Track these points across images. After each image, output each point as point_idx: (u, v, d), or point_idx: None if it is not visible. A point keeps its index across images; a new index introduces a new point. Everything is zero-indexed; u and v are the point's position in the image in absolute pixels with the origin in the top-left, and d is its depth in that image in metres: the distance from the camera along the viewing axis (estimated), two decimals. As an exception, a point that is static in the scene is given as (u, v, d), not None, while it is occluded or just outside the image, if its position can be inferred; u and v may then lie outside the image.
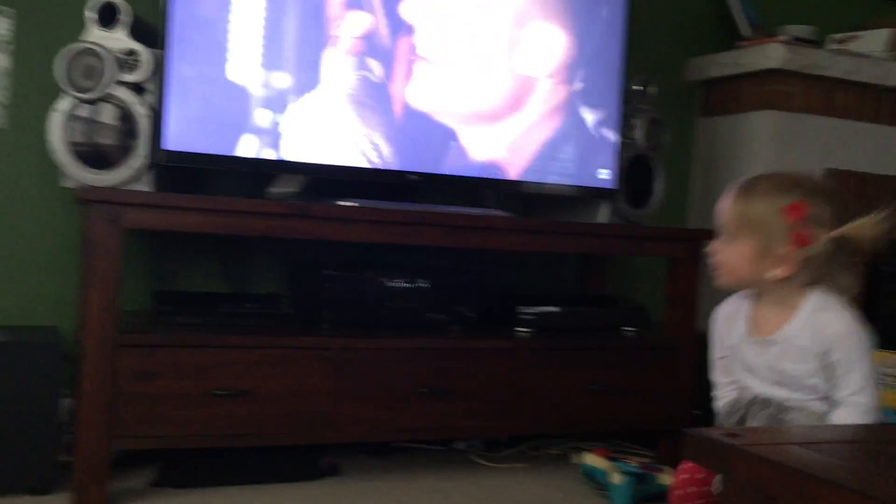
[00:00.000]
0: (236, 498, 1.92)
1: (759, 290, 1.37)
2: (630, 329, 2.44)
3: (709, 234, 2.37)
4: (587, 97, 2.39)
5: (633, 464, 2.10)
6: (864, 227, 1.30)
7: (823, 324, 1.31)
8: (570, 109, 2.37)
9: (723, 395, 1.45)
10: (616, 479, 2.00)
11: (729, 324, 1.44)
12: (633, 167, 2.48)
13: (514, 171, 2.32)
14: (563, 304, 2.41)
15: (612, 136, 2.42)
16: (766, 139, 2.71)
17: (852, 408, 1.27)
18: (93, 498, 1.80)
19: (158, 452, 2.05)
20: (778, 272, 1.31)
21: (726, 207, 1.36)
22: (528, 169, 2.33)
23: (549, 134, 2.35)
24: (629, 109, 2.47)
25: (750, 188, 1.36)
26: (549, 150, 2.36)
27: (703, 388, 2.53)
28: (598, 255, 2.72)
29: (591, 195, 2.43)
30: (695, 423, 2.38)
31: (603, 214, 2.44)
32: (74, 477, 1.79)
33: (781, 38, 2.70)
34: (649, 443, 2.49)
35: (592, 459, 2.14)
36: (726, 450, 0.75)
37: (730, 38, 2.87)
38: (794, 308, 1.34)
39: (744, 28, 2.81)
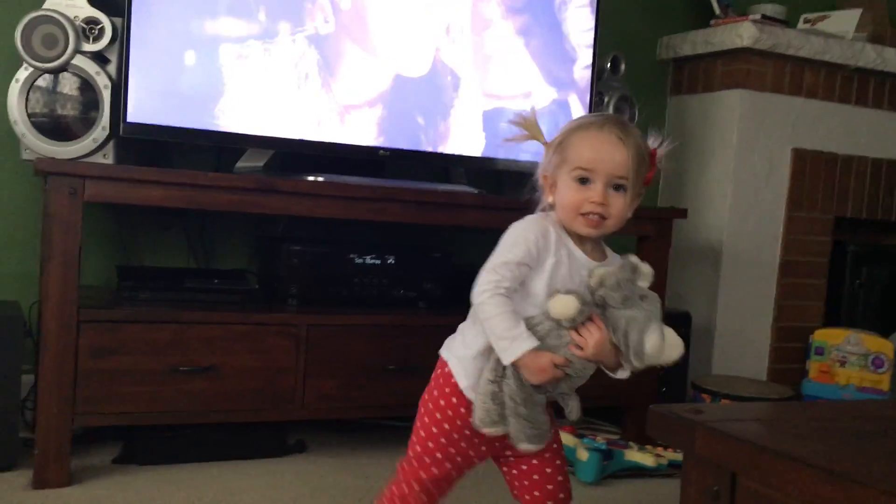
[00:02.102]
0: (201, 474, 1.91)
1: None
2: (599, 307, 2.44)
3: (681, 213, 2.40)
4: (559, 73, 2.37)
5: (599, 440, 2.11)
6: None
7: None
8: (541, 86, 2.35)
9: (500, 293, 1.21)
10: (582, 455, 2.01)
11: (552, 240, 1.26)
12: (604, 145, 2.47)
13: (484, 148, 2.30)
14: (532, 281, 2.40)
15: (582, 113, 2.41)
16: (736, 118, 2.72)
17: None
18: (54, 475, 1.77)
19: (122, 429, 2.03)
20: (630, 213, 1.27)
21: (623, 156, 1.22)
22: (499, 146, 2.32)
23: (520, 110, 2.33)
24: (600, 87, 2.47)
25: (629, 133, 1.25)
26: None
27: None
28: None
29: (561, 173, 2.42)
30: (661, 399, 2.40)
31: (573, 192, 2.43)
32: (36, 453, 1.76)
33: (753, 17, 2.71)
34: (616, 419, 2.51)
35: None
36: (690, 425, 0.75)
37: (702, 17, 2.87)
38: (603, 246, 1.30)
39: (716, 6, 2.81)
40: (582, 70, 2.41)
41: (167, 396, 1.87)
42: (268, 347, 1.95)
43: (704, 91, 2.83)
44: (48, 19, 1.85)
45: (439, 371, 1.31)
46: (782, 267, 2.81)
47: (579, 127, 1.27)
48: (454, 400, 1.26)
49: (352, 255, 2.14)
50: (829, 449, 0.73)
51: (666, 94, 2.99)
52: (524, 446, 1.22)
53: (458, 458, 1.28)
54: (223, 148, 2.20)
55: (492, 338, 1.20)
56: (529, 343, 1.17)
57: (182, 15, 1.95)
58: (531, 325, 1.20)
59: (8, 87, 1.87)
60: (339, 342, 2.02)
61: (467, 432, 1.26)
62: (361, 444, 2.22)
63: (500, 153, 2.32)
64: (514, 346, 1.18)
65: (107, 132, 1.91)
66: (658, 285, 2.34)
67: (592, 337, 1.19)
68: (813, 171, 2.83)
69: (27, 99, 1.88)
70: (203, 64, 1.97)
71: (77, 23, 1.88)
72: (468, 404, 1.25)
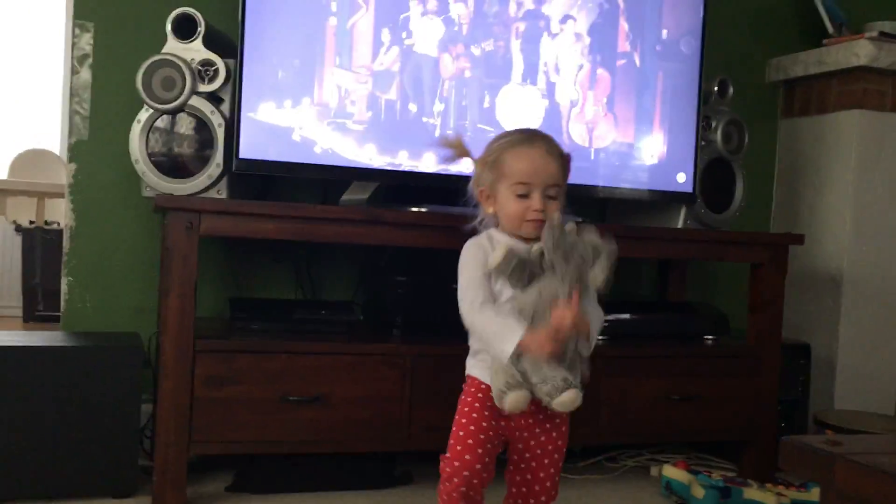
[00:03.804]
0: (310, 504, 1.92)
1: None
2: (711, 337, 2.35)
3: (797, 239, 2.30)
4: (664, 97, 2.33)
5: (715, 477, 2.02)
6: None
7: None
8: (645, 110, 2.31)
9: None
10: (698, 492, 1.93)
11: (487, 248, 1.47)
12: (713, 170, 2.41)
13: (588, 176, 2.27)
14: (639, 311, 2.34)
15: (690, 138, 2.35)
16: (854, 140, 2.60)
17: None
18: (171, 501, 1.82)
19: (234, 457, 2.07)
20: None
21: (555, 167, 1.43)
22: (602, 173, 2.28)
23: (625, 136, 2.30)
24: (708, 111, 2.40)
25: (553, 144, 1.46)
26: (625, 154, 2.30)
27: (789, 398, 2.43)
28: (678, 260, 2.64)
29: (668, 199, 2.37)
30: (781, 435, 2.28)
31: (681, 219, 2.37)
32: (154, 481, 1.82)
33: (869, 34, 2.59)
34: (730, 455, 2.40)
35: (673, 472, 2.06)
36: (828, 459, 0.70)
37: (813, 36, 2.77)
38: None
39: (828, 25, 2.71)
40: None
41: (278, 426, 1.90)
42: (374, 377, 1.96)
43: (818, 113, 2.72)
44: (167, 63, 1.95)
45: (465, 384, 1.52)
46: (909, 295, 2.65)
47: (511, 144, 1.45)
48: (477, 393, 1.47)
49: (455, 285, 2.13)
50: None
51: (776, 117, 2.89)
52: (557, 400, 1.35)
53: (489, 441, 1.43)
54: (328, 181, 2.25)
55: (490, 347, 1.40)
56: (519, 331, 1.35)
57: (289, 55, 2.01)
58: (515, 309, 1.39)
59: (129, 129, 1.97)
60: (445, 372, 2.00)
61: (487, 413, 1.44)
62: (467, 476, 2.19)
63: (601, 181, 2.28)
64: (508, 341, 1.35)
65: (220, 168, 1.99)
66: (774, 315, 2.27)
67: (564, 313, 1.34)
68: (940, 194, 2.66)
69: (147, 139, 1.98)
70: (309, 100, 2.03)
71: (193, 65, 1.96)
72: (488, 390, 1.44)
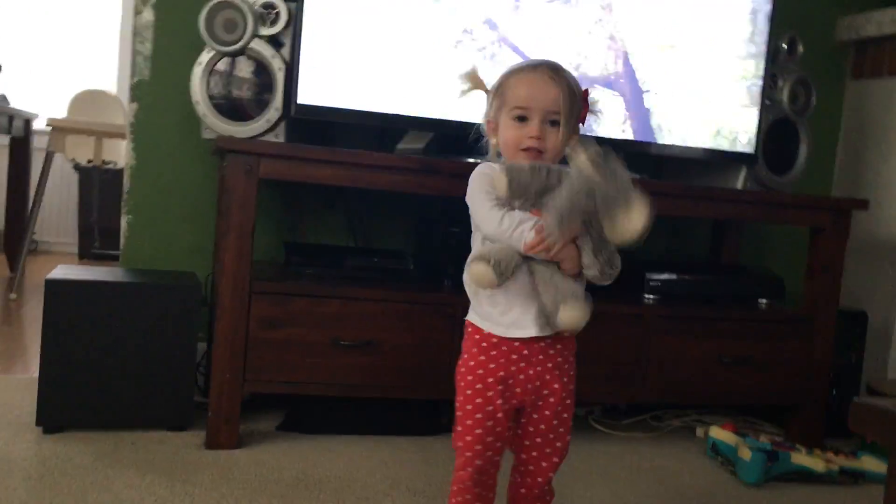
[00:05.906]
0: (358, 446, 1.96)
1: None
2: (765, 300, 2.32)
3: (861, 205, 2.24)
4: (729, 55, 2.26)
5: (763, 440, 2.00)
6: None
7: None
8: (709, 68, 2.25)
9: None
10: (745, 454, 1.92)
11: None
12: (777, 131, 2.34)
13: (646, 133, 2.23)
14: (693, 271, 2.31)
15: (754, 97, 2.29)
16: (926, 104, 2.51)
17: None
18: (225, 436, 1.87)
19: (283, 397, 2.11)
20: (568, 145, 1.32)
21: (556, 93, 1.31)
22: (661, 131, 2.24)
23: (686, 93, 2.25)
24: (774, 69, 2.33)
25: (561, 73, 1.34)
26: (686, 111, 2.25)
27: (842, 365, 2.40)
28: (736, 222, 2.60)
29: (729, 159, 2.32)
30: (833, 402, 2.25)
31: (741, 180, 2.33)
32: (209, 416, 1.87)
33: (949, -8, 2.48)
34: (776, 420, 2.38)
35: (720, 433, 2.06)
36: (902, 423, 0.69)
37: (888, -6, 2.66)
38: None
39: (906, -18, 2.60)
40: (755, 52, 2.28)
41: (329, 369, 1.93)
42: (425, 326, 1.98)
43: (891, 74, 2.63)
44: (229, 5, 1.95)
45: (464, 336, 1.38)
46: (973, 266, 2.57)
47: (514, 71, 1.37)
48: (481, 342, 1.33)
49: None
50: None
51: (843, 78, 2.80)
52: (567, 314, 1.27)
53: (494, 413, 1.31)
54: (385, 129, 2.24)
55: (513, 241, 1.27)
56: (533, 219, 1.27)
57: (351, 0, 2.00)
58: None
59: (190, 71, 1.98)
60: (495, 325, 2.01)
61: (491, 380, 1.31)
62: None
63: (653, 137, 2.24)
64: (527, 228, 1.26)
65: (279, 113, 1.99)
66: (832, 281, 2.22)
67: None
68: None
69: (208, 81, 1.99)
70: (368, 48, 2.01)
71: (255, 8, 1.96)
72: (487, 350, 1.32)
